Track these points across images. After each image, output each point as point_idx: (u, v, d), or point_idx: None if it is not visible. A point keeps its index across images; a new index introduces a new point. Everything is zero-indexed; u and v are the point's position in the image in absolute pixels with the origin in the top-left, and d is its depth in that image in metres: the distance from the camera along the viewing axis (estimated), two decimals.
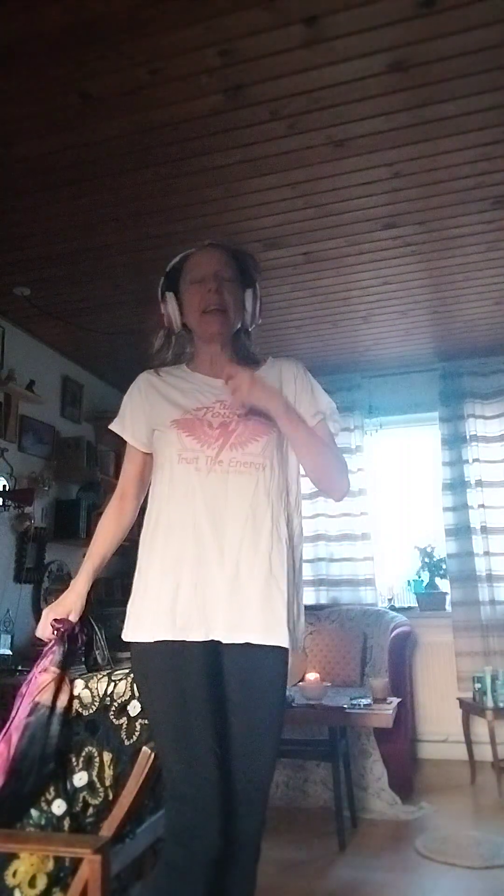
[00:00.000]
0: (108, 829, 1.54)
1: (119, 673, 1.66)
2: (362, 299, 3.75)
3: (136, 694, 1.58)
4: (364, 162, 2.61)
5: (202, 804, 1.37)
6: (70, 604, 1.62)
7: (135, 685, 1.58)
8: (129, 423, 1.66)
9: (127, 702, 1.61)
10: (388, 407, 4.87)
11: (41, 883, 1.55)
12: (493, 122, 2.41)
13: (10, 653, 3.48)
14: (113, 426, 1.69)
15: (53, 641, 1.61)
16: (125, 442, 1.68)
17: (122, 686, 1.62)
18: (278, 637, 1.45)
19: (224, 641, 1.43)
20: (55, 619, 1.60)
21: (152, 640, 1.45)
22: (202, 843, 1.35)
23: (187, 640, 1.42)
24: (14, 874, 1.56)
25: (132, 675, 1.59)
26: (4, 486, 3.76)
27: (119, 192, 2.77)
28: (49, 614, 1.61)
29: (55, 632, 1.60)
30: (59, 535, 4.05)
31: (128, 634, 1.50)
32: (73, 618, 1.62)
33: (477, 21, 1.99)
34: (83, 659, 1.69)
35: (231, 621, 1.43)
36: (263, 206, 2.88)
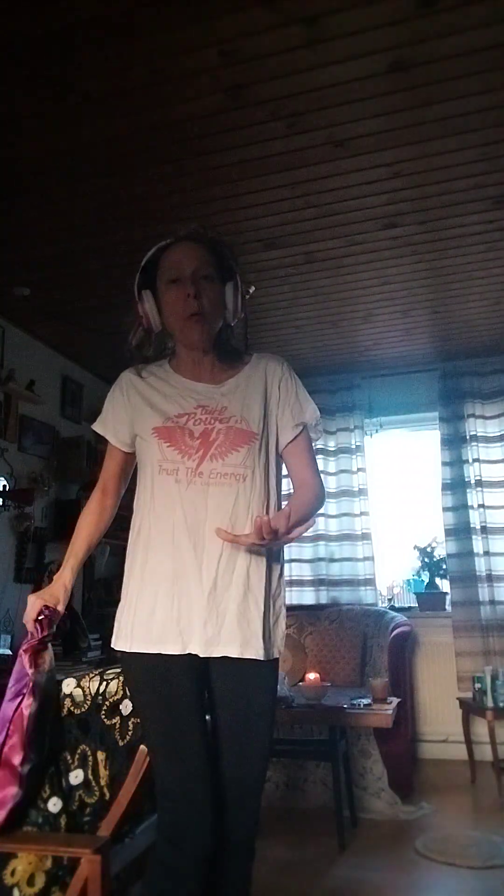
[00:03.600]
0: (106, 828, 1.55)
1: (111, 672, 1.66)
2: (362, 299, 3.75)
3: (128, 693, 1.58)
4: (364, 162, 2.61)
5: (192, 804, 1.37)
6: (58, 594, 1.61)
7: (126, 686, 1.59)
8: (110, 424, 1.65)
9: (119, 701, 1.61)
10: (388, 407, 4.87)
11: (39, 881, 1.55)
12: (493, 122, 2.41)
13: (10, 653, 3.48)
14: (95, 426, 1.68)
15: (40, 629, 1.59)
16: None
17: (113, 685, 1.63)
18: (253, 651, 1.45)
19: (201, 655, 1.43)
20: (45, 606, 1.58)
21: (130, 651, 1.46)
22: (193, 842, 1.36)
23: (163, 652, 1.42)
24: (12, 873, 1.56)
25: (123, 676, 1.60)
26: (4, 486, 3.76)
27: (119, 192, 2.77)
28: (37, 601, 1.59)
29: (42, 619, 1.58)
30: (59, 535, 4.04)
31: (112, 641, 1.52)
32: (61, 608, 1.61)
33: (477, 21, 1.99)
34: (62, 646, 1.68)
35: (208, 636, 1.43)
36: (263, 206, 2.88)
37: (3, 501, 3.73)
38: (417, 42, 2.06)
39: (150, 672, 1.44)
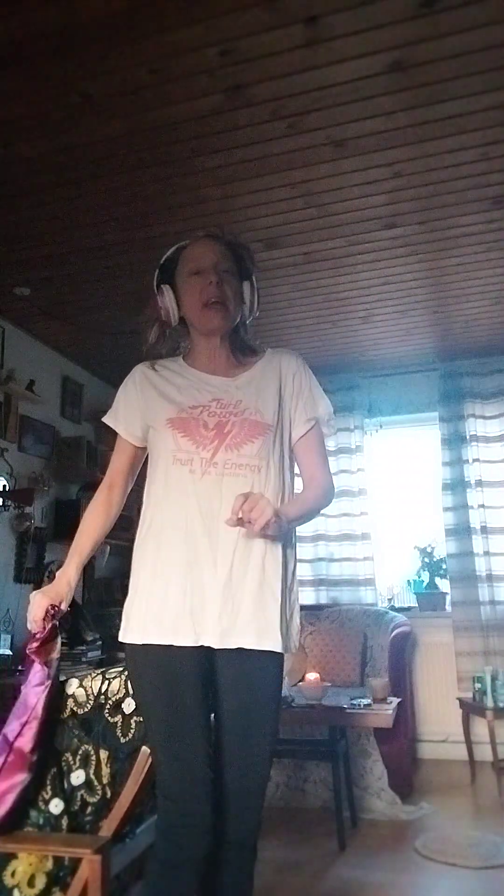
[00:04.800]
0: (107, 828, 1.55)
1: (113, 671, 1.66)
2: (362, 299, 3.75)
3: (131, 691, 1.58)
4: (364, 162, 2.61)
5: (192, 801, 1.37)
6: (63, 592, 1.60)
7: (129, 682, 1.58)
8: (122, 417, 1.65)
9: (121, 699, 1.61)
10: (388, 407, 4.87)
11: (40, 882, 1.55)
12: (493, 122, 2.41)
13: (10, 653, 3.48)
14: (106, 419, 1.68)
15: (46, 629, 1.58)
16: (116, 433, 1.67)
17: (116, 684, 1.63)
18: (271, 642, 1.45)
19: (216, 647, 1.43)
20: (50, 605, 1.58)
21: (141, 643, 1.45)
22: (192, 840, 1.36)
23: (175, 644, 1.42)
24: (13, 874, 1.56)
25: (126, 673, 1.59)
26: (4, 486, 3.76)
27: (119, 192, 2.77)
28: (43, 599, 1.58)
29: (48, 617, 1.57)
30: (59, 535, 4.05)
31: (121, 635, 1.51)
32: (65, 606, 1.60)
33: (477, 21, 1.99)
34: (67, 642, 1.68)
35: (223, 627, 1.42)
36: (263, 206, 2.88)
37: (3, 501, 3.73)
38: (417, 42, 2.06)
39: (157, 668, 1.44)
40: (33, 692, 1.58)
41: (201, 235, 1.65)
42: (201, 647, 1.43)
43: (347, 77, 2.19)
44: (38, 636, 1.58)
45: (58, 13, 1.95)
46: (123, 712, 1.60)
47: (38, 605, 1.58)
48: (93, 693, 1.63)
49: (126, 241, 3.12)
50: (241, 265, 1.65)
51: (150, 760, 1.52)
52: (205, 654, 1.44)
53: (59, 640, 1.63)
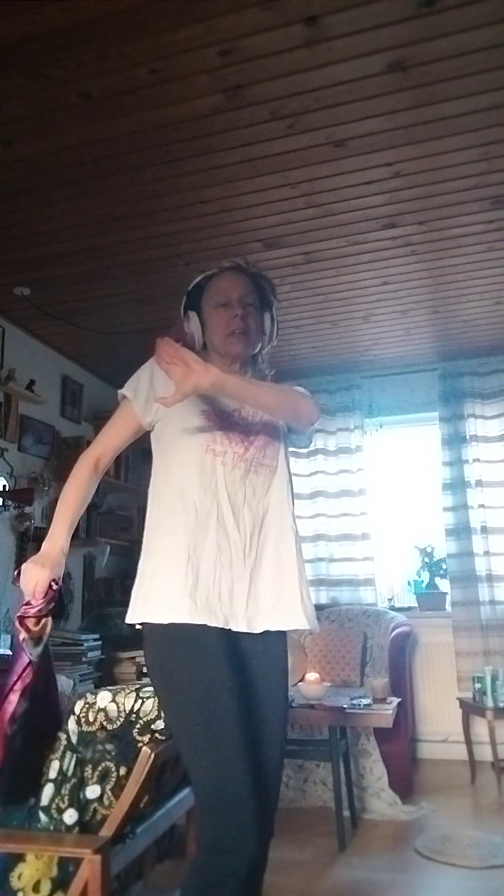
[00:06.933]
0: (107, 829, 1.55)
1: (147, 690, 1.63)
2: (362, 299, 3.75)
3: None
4: (364, 162, 2.61)
5: (238, 813, 1.28)
6: (61, 563, 1.59)
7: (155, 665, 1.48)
8: (143, 390, 1.60)
9: (152, 720, 1.59)
10: (388, 407, 4.87)
11: (45, 888, 1.55)
12: (493, 122, 2.41)
13: (11, 653, 3.47)
14: (125, 390, 1.62)
15: (41, 602, 1.56)
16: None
17: (149, 704, 1.60)
18: (297, 620, 1.51)
19: (245, 630, 1.46)
20: (53, 581, 1.56)
21: (167, 622, 1.40)
22: (240, 856, 1.27)
23: (209, 624, 1.41)
24: (19, 877, 1.56)
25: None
26: (4, 486, 3.76)
27: (119, 192, 2.77)
28: (43, 573, 1.55)
29: (50, 593, 1.55)
30: None
31: (137, 615, 1.46)
32: (59, 574, 1.59)
33: (477, 21, 1.99)
34: (59, 614, 1.65)
35: (250, 612, 1.47)
36: (263, 206, 2.88)
37: (3, 501, 3.72)
38: (417, 42, 2.06)
39: (190, 649, 1.39)
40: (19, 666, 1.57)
41: (227, 266, 1.72)
42: (228, 631, 1.44)
43: (347, 77, 2.19)
44: (36, 610, 1.55)
45: (58, 13, 1.94)
46: (152, 731, 1.58)
47: (42, 579, 1.55)
48: (124, 710, 1.61)
49: (126, 241, 3.11)
50: (262, 297, 1.73)
51: (150, 761, 1.52)
52: (232, 636, 1.45)
53: (48, 621, 1.59)
